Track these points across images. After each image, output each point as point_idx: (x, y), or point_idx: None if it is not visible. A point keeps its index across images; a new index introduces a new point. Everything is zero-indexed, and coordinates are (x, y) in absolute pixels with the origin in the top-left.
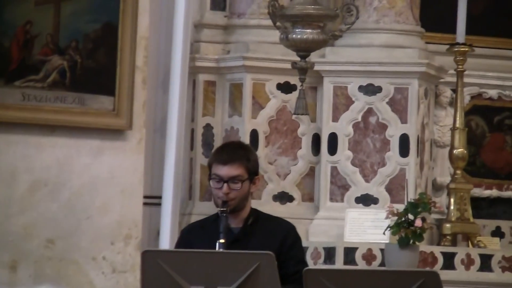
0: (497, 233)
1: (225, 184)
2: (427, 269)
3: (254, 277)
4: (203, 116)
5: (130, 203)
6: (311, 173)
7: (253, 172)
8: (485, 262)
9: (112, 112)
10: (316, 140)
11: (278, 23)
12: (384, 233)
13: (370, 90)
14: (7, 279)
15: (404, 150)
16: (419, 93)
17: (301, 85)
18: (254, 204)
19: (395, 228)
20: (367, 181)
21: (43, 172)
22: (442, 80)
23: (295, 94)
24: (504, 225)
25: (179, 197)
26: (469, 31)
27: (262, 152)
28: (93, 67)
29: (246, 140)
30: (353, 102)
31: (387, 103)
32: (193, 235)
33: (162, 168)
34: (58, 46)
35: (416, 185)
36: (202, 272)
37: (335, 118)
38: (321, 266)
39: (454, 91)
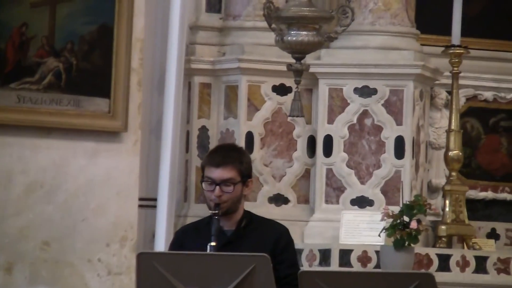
0: (492, 235)
1: (218, 187)
2: (423, 271)
3: (249, 279)
4: (199, 118)
5: (125, 205)
6: (307, 175)
7: (246, 175)
8: (480, 264)
9: (107, 114)
10: (311, 142)
11: (273, 25)
12: (379, 235)
13: (365, 92)
14: (3, 281)
15: (399, 152)
16: (414, 95)
17: (297, 87)
18: (250, 206)
19: (390, 230)
20: (362, 183)
21: (38, 174)
22: (437, 82)
23: (290, 96)
24: (499, 227)
25: (174, 199)
26: (465, 33)
27: (257, 154)
28: (89, 69)
29: (241, 142)
30: (348, 104)
31: (383, 105)
32: (187, 236)
33: (158, 170)
34: (54, 48)
35: (412, 187)
36: (197, 274)
37: (331, 120)
38: (316, 268)
39: (450, 93)
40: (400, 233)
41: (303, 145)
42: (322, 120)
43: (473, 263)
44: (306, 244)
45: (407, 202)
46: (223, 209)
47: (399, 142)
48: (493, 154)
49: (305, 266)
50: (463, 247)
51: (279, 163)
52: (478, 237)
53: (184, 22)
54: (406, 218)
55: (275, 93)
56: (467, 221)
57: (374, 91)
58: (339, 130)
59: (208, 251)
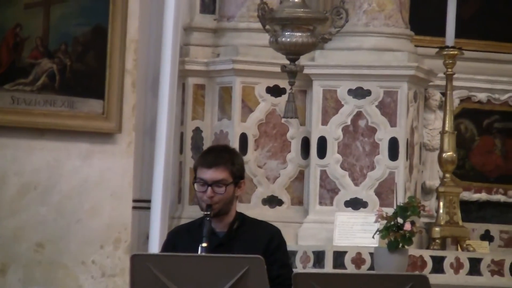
0: (486, 236)
1: (209, 188)
2: (416, 272)
3: (243, 281)
4: (193, 119)
5: (119, 206)
6: (300, 176)
7: (238, 176)
8: (474, 266)
9: (101, 116)
10: (305, 143)
11: (267, 26)
12: (373, 237)
13: (359, 93)
14: None
15: (393, 154)
16: (408, 96)
17: (291, 89)
18: (243, 207)
19: (384, 232)
20: (356, 184)
21: (32, 175)
22: (431, 83)
23: (284, 98)
24: (493, 228)
25: (168, 200)
26: (459, 34)
27: (251, 156)
28: (83, 70)
29: (235, 143)
30: (342, 105)
31: (377, 106)
32: (179, 237)
33: (152, 172)
34: (48, 49)
35: (406, 189)
36: (192, 276)
37: (325, 122)
38: (310, 270)
39: (444, 94)
40: (394, 234)
41: (297, 147)
42: (316, 121)
43: (467, 265)
44: (300, 245)
45: (401, 204)
46: (215, 210)
47: (393, 144)
48: (487, 155)
49: (299, 268)
50: (457, 249)
51: (273, 165)
52: (472, 239)
53: (178, 23)
54: (400, 220)
55: (269, 95)
56: (461, 223)
57: (368, 93)
58: (333, 132)
59: (199, 252)
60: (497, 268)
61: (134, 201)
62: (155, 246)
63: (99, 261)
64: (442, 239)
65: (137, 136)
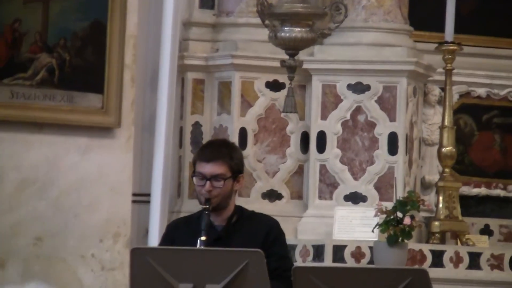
0: (486, 231)
1: (208, 182)
2: (416, 267)
3: (243, 275)
4: (192, 114)
5: (118, 200)
6: (300, 171)
7: (236, 171)
8: (474, 260)
9: (100, 110)
10: (304, 138)
11: (266, 22)
12: (372, 231)
13: (358, 88)
14: None
15: (392, 148)
16: (407, 91)
17: (290, 83)
18: (243, 202)
19: (383, 226)
20: (355, 179)
21: (31, 170)
22: (430, 78)
23: (283, 92)
24: (493, 223)
25: (167, 194)
26: (458, 29)
27: (250, 150)
28: (82, 65)
29: (235, 138)
30: (341, 100)
31: (376, 101)
32: (177, 231)
33: (151, 166)
34: (47, 44)
35: (405, 183)
36: (191, 270)
37: (324, 116)
38: (310, 264)
39: (443, 89)
40: (393, 229)
41: (297, 141)
42: (315, 116)
43: (466, 259)
44: (299, 239)
45: (401, 198)
46: (214, 204)
47: (392, 139)
48: (486, 150)
49: (298, 262)
50: (457, 243)
51: (273, 159)
52: (472, 233)
53: (177, 18)
54: (399, 214)
55: (268, 89)
56: (460, 217)
57: (367, 88)
58: (332, 126)
59: (198, 245)
60: (497, 263)
61: (134, 195)
62: (154, 240)
63: (99, 255)
64: (441, 233)
65: (136, 131)
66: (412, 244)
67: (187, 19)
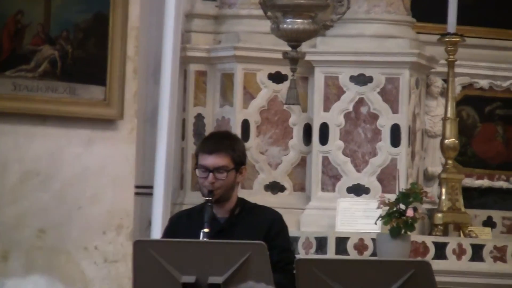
0: (489, 223)
1: (211, 174)
2: (419, 259)
3: (245, 267)
4: (194, 106)
5: (121, 192)
6: (302, 163)
7: (239, 162)
8: (477, 252)
9: (103, 102)
10: (307, 130)
11: (269, 13)
12: (375, 223)
13: (361, 80)
14: None
15: (395, 140)
16: (410, 83)
17: (292, 75)
18: (246, 194)
19: (386, 218)
20: (358, 171)
21: (34, 162)
22: (433, 70)
23: (286, 84)
24: (496, 215)
25: (170, 186)
26: (460, 21)
27: (253, 142)
28: (84, 57)
29: (237, 130)
30: (344, 92)
31: (378, 93)
32: (180, 223)
33: (154, 158)
34: (49, 36)
35: (408, 175)
36: (194, 262)
37: (326, 108)
38: (312, 256)
39: (445, 81)
40: (396, 221)
41: (299, 133)
42: (318, 108)
43: (469, 251)
44: (302, 232)
45: (403, 190)
46: (216, 196)
47: (395, 130)
48: (489, 142)
49: (301, 254)
50: (459, 235)
51: (275, 151)
52: (474, 225)
53: (180, 10)
54: (402, 206)
55: (270, 81)
56: (463, 209)
57: (370, 79)
58: (335, 118)
59: (201, 237)
60: (500, 254)
61: (136, 187)
62: (157, 232)
63: (102, 247)
64: (444, 225)
65: (139, 123)
66: (415, 236)
67: (189, 11)
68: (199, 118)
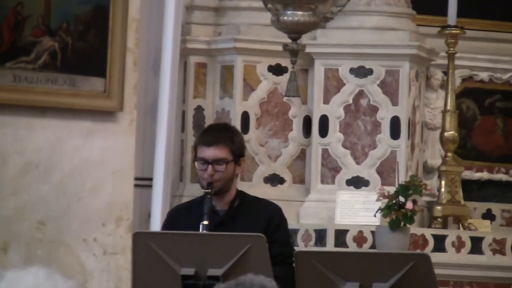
0: (488, 215)
1: (210, 166)
2: (418, 251)
3: (245, 259)
4: (194, 98)
5: (121, 184)
6: (302, 155)
7: (238, 154)
8: (476, 245)
9: (103, 94)
10: (307, 122)
11: (269, 5)
12: (375, 216)
13: (361, 72)
14: None
15: (395, 133)
16: (410, 75)
17: (292, 67)
18: (245, 186)
19: (386, 211)
20: (358, 163)
21: (34, 154)
22: (433, 62)
23: (286, 76)
24: (495, 207)
25: (170, 178)
26: (460, 13)
27: (253, 134)
28: (84, 49)
29: (237, 122)
30: (344, 84)
31: (378, 85)
32: (179, 216)
33: (153, 150)
34: (49, 28)
35: (407, 168)
36: (193, 254)
37: (326, 100)
38: (312, 248)
39: (445, 73)
40: (395, 213)
41: (299, 125)
42: (317, 100)
43: (468, 243)
44: (301, 224)
45: (403, 183)
46: (216, 188)
47: (395, 123)
48: (489, 135)
49: (300, 246)
50: (459, 228)
51: (275, 143)
52: (474, 218)
53: (180, 2)
54: (401, 199)
55: (270, 73)
56: (462, 202)
57: (369, 72)
58: (335, 111)
59: (200, 229)
60: (499, 247)
61: (136, 179)
62: (156, 224)
63: (101, 239)
64: (443, 218)
65: (138, 115)
66: (414, 229)
67: (189, 3)
68: (199, 110)
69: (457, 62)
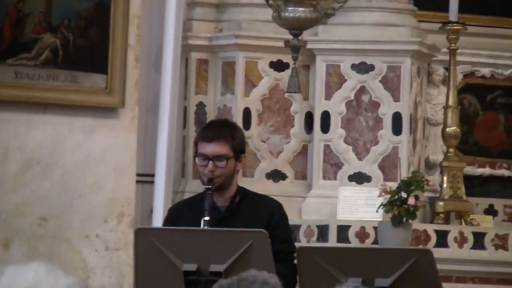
0: (490, 211)
1: (210, 162)
2: (420, 247)
3: (247, 255)
4: (196, 94)
5: (122, 181)
6: (304, 151)
7: (238, 150)
8: (478, 240)
9: (104, 90)
10: (308, 118)
11: (270, 1)
12: (377, 211)
13: (362, 68)
14: (0, 256)
15: (396, 128)
16: (411, 71)
17: (294, 63)
18: (247, 182)
19: (388, 206)
20: (360, 159)
21: (35, 150)
22: (434, 58)
23: (287, 72)
24: (497, 203)
25: (171, 175)
26: (462, 9)
27: (254, 130)
28: (86, 45)
29: (238, 118)
30: (345, 80)
31: (380, 81)
32: (180, 213)
33: (155, 146)
34: (51, 24)
35: (409, 163)
36: (195, 250)
37: (328, 96)
38: (314, 244)
39: (447, 69)
40: (397, 209)
41: (301, 121)
42: (319, 96)
43: (471, 239)
44: (303, 220)
45: (405, 178)
46: (217, 184)
47: (397, 119)
48: (490, 130)
49: (303, 242)
50: (461, 223)
51: (276, 139)
52: (476, 213)
53: None
54: (403, 194)
55: (272, 69)
56: (464, 197)
57: (371, 68)
58: (337, 107)
59: (201, 225)
60: (501, 243)
61: (138, 175)
62: (158, 220)
63: (103, 235)
64: (446, 213)
65: (140, 111)
66: (417, 224)
67: None
68: (201, 106)
69: (458, 58)
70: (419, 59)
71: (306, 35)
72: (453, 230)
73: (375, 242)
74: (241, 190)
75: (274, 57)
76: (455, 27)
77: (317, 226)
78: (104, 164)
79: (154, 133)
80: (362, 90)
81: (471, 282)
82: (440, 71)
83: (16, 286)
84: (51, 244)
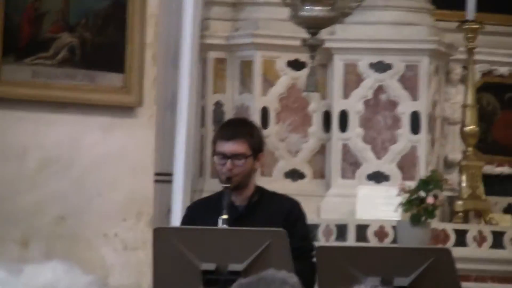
0: (509, 210)
1: (229, 160)
2: (439, 246)
3: (265, 255)
4: (214, 93)
5: (141, 179)
6: (322, 150)
7: (256, 149)
8: (497, 239)
9: (122, 89)
10: (326, 117)
11: (287, 0)
12: (395, 210)
13: (380, 67)
14: (19, 255)
15: (415, 127)
16: (429, 70)
17: (312, 63)
18: (266, 181)
19: (407, 205)
20: (378, 158)
21: (53, 149)
22: (452, 57)
23: (305, 71)
24: None
25: (190, 174)
26: (479, 8)
27: (272, 129)
28: (103, 44)
29: (256, 117)
30: (363, 79)
31: (398, 80)
32: (198, 212)
33: (173, 145)
34: (68, 23)
35: (427, 162)
36: (214, 249)
37: (346, 95)
38: (333, 243)
39: (465, 68)
40: (416, 208)
41: (318, 120)
42: (337, 95)
43: (490, 238)
44: (322, 219)
45: (424, 177)
46: (235, 183)
47: (415, 117)
48: (509, 129)
49: (321, 241)
50: (480, 223)
51: (295, 138)
52: (495, 212)
53: None
54: (422, 193)
55: (289, 68)
56: (483, 197)
57: (389, 67)
58: (355, 105)
59: (219, 224)
60: None
61: (156, 174)
62: (177, 220)
63: (121, 234)
64: (464, 212)
65: (158, 110)
66: (435, 224)
67: None
68: (218, 105)
69: (476, 57)
70: (437, 58)
71: (323, 34)
72: (472, 229)
73: (394, 241)
74: (259, 189)
75: (292, 56)
76: (472, 26)
77: (336, 225)
78: (122, 163)
79: (172, 132)
80: (380, 89)
81: (490, 281)
82: (458, 70)
83: (35, 285)
84: (69, 243)
